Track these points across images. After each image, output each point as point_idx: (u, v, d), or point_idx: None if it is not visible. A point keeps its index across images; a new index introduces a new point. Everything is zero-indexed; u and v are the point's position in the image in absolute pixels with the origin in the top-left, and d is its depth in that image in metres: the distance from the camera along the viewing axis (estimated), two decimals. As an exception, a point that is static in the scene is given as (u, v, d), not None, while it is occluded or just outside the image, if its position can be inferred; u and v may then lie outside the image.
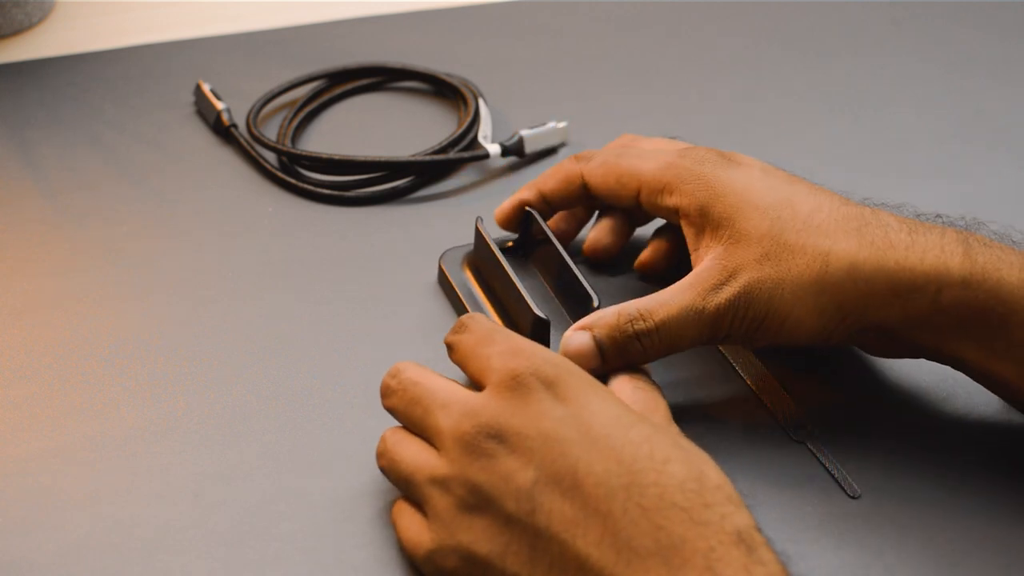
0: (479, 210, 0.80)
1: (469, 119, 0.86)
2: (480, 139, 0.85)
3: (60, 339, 0.71)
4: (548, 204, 0.74)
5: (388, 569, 0.60)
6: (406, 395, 0.60)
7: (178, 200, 0.82)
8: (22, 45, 0.95)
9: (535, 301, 0.68)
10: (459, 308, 0.73)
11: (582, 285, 0.69)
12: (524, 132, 0.85)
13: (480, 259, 0.74)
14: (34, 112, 0.88)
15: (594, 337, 0.63)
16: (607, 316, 0.64)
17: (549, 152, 0.86)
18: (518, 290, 0.68)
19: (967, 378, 0.66)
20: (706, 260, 0.65)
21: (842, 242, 0.63)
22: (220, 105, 0.86)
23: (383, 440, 0.61)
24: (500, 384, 0.58)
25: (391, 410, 0.61)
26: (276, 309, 0.74)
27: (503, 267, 0.70)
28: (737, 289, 0.63)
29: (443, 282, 0.75)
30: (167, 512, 0.62)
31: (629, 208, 0.72)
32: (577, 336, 0.64)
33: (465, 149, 0.85)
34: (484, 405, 0.57)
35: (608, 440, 0.55)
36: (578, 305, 0.70)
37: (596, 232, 0.75)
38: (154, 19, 0.98)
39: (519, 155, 0.85)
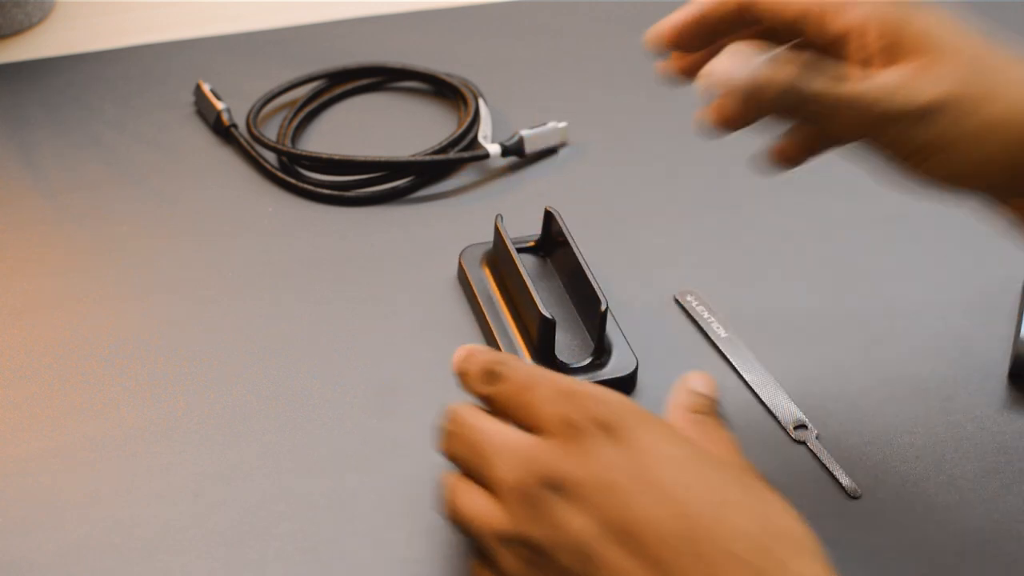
0: (479, 210, 0.80)
1: (469, 119, 0.86)
2: (480, 139, 0.85)
3: (60, 339, 0.71)
4: (706, 26, 0.64)
5: (388, 569, 0.60)
6: (463, 441, 0.57)
7: (178, 200, 0.82)
8: (22, 45, 0.95)
9: (546, 301, 0.68)
10: (474, 305, 0.73)
11: (592, 287, 0.69)
12: (524, 132, 0.85)
13: (498, 257, 0.74)
14: (34, 112, 0.88)
15: (765, 72, 0.56)
16: (786, 66, 0.56)
17: (549, 152, 0.86)
18: (528, 289, 0.69)
19: (968, 378, 0.67)
20: (906, 65, 0.56)
21: None
22: (220, 105, 0.86)
23: (446, 488, 0.58)
24: (555, 432, 0.55)
25: (448, 455, 0.58)
26: (276, 309, 0.74)
27: (516, 265, 0.70)
28: (941, 93, 0.56)
29: (461, 278, 0.75)
30: (167, 512, 0.62)
31: (781, 36, 0.61)
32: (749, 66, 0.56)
33: (465, 149, 0.85)
34: (541, 454, 0.55)
35: (668, 487, 0.53)
36: (588, 307, 0.70)
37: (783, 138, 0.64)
38: (154, 19, 0.98)
39: (519, 155, 0.85)
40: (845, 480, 0.64)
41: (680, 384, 0.59)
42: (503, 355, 0.59)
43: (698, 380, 0.59)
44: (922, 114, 0.56)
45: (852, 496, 0.64)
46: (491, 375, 0.58)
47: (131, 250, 0.78)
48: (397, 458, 0.66)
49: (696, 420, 0.58)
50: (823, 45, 0.59)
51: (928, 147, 0.57)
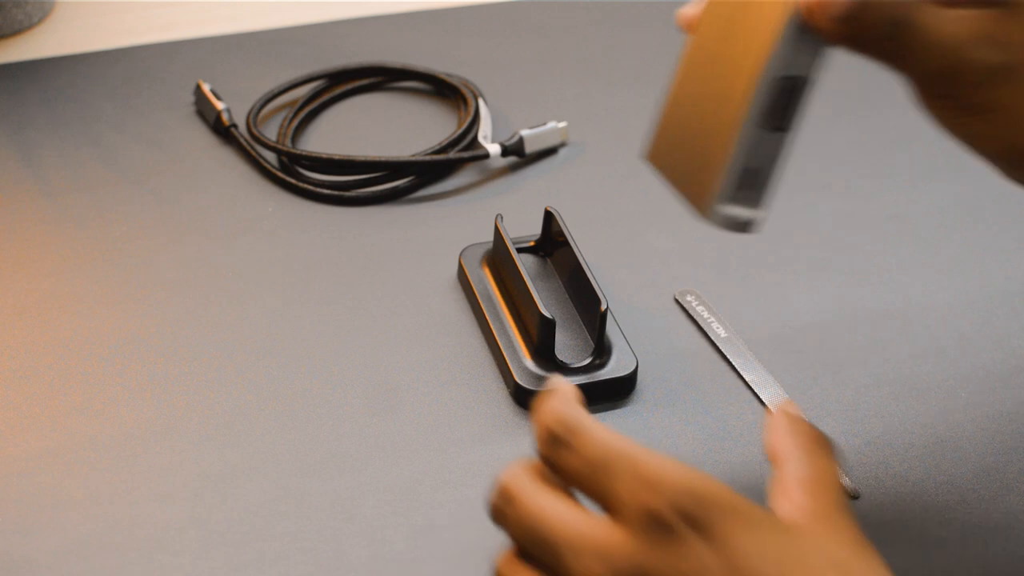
0: (479, 210, 0.80)
1: (469, 119, 0.86)
2: (480, 139, 0.85)
3: (60, 339, 0.71)
4: None
5: (388, 569, 0.60)
6: (527, 531, 0.50)
7: (178, 200, 0.82)
8: (22, 45, 0.95)
9: (546, 301, 0.68)
10: (474, 305, 0.73)
11: (592, 287, 0.69)
12: (524, 132, 0.85)
13: (497, 257, 0.74)
14: (34, 112, 0.88)
15: None
16: None
17: (549, 152, 0.86)
18: (528, 289, 0.69)
19: (968, 378, 0.67)
20: (971, 13, 0.54)
21: None
22: (220, 105, 0.86)
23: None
24: (637, 525, 0.48)
25: (507, 533, 0.52)
26: (276, 309, 0.74)
27: (516, 265, 0.70)
28: (1002, 60, 0.53)
29: (461, 278, 0.75)
30: (167, 512, 0.62)
31: None
32: None
33: (465, 149, 0.85)
34: (624, 551, 0.48)
35: None
36: (588, 307, 0.70)
37: None
38: (154, 19, 0.98)
39: (519, 155, 0.85)
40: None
41: (783, 410, 0.53)
42: (574, 419, 0.50)
43: (793, 409, 0.54)
44: (989, 70, 0.53)
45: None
46: (557, 441, 0.50)
47: (131, 250, 0.78)
48: (397, 458, 0.66)
49: (800, 459, 0.52)
50: None
51: (998, 106, 0.54)
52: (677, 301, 0.75)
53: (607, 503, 0.49)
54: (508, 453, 0.66)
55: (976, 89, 0.54)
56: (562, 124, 0.86)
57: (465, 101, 0.88)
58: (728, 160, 0.54)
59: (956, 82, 0.54)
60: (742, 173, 0.54)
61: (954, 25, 0.53)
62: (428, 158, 0.83)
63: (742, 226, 0.56)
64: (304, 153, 0.83)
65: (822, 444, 0.52)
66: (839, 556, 0.49)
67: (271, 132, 0.87)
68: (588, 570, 0.48)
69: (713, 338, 0.72)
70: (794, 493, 0.51)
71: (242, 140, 0.85)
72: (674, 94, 0.60)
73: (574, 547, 0.49)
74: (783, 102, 0.54)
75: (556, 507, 0.50)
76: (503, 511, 0.51)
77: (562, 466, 0.50)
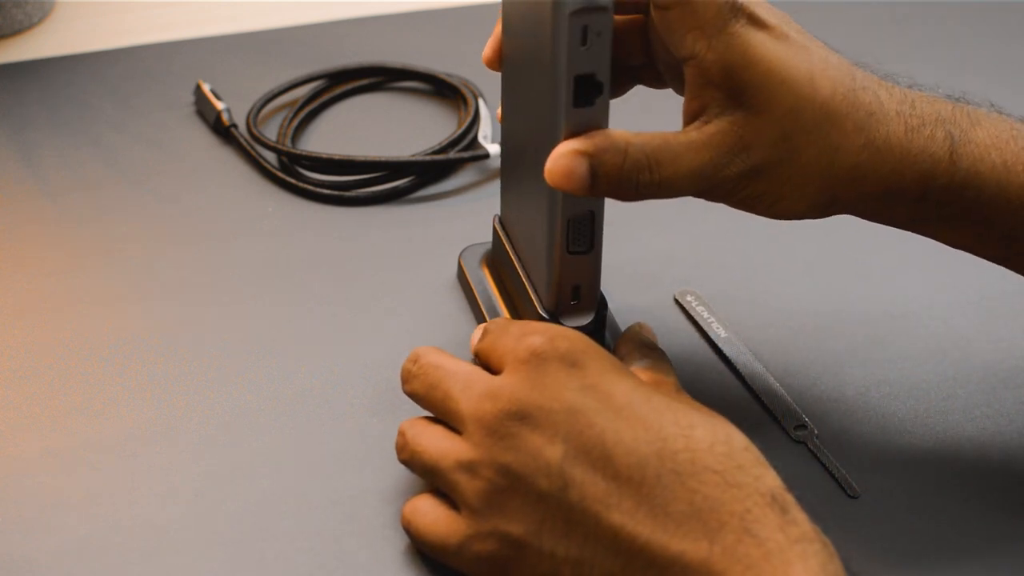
0: (479, 210, 0.80)
1: (469, 119, 0.86)
2: (480, 139, 0.85)
3: (60, 339, 0.71)
4: None
5: (388, 569, 0.60)
6: (426, 379, 0.60)
7: (178, 200, 0.82)
8: (22, 45, 0.95)
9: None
10: (474, 305, 0.73)
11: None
12: (524, 132, 0.85)
13: (497, 257, 0.74)
14: (34, 112, 0.88)
15: (592, 166, 0.59)
16: (612, 153, 0.59)
17: (549, 152, 0.86)
18: (528, 289, 0.69)
19: (967, 378, 0.66)
20: (721, 122, 0.60)
21: (851, 139, 0.60)
22: (220, 105, 0.86)
23: (401, 434, 0.61)
24: (517, 361, 0.58)
25: (411, 395, 0.61)
26: (276, 309, 0.74)
27: (516, 265, 0.70)
28: (750, 165, 0.60)
29: (461, 278, 0.75)
30: (167, 512, 0.62)
31: (637, 24, 0.64)
32: (574, 160, 0.59)
33: (465, 149, 0.85)
34: (503, 384, 0.57)
35: (632, 408, 0.56)
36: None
37: None
38: (154, 19, 0.98)
39: (519, 155, 0.85)
40: (845, 480, 0.64)
41: (632, 326, 0.67)
42: (497, 319, 0.65)
43: (647, 328, 0.67)
44: (721, 184, 0.60)
45: (852, 496, 0.64)
46: (482, 333, 0.62)
47: (131, 250, 0.78)
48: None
49: (644, 356, 0.63)
50: (673, 47, 0.61)
51: (738, 201, 0.61)
52: (677, 301, 0.75)
53: (503, 360, 0.59)
54: (508, 453, 0.66)
55: (736, 192, 0.61)
56: (562, 124, 0.86)
57: (465, 101, 0.88)
58: (554, 287, 0.65)
59: (717, 193, 0.61)
60: (570, 292, 0.65)
61: (699, 155, 0.59)
62: (428, 158, 0.83)
63: (582, 328, 0.65)
64: (304, 153, 0.83)
65: (656, 347, 0.65)
66: (691, 400, 0.59)
67: (271, 132, 0.87)
68: (477, 407, 0.57)
69: (713, 338, 0.72)
70: (641, 376, 0.61)
71: (242, 140, 0.85)
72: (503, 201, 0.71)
73: (466, 390, 0.58)
74: (584, 230, 0.63)
75: (454, 362, 0.60)
76: (410, 370, 0.61)
77: (480, 349, 0.61)
